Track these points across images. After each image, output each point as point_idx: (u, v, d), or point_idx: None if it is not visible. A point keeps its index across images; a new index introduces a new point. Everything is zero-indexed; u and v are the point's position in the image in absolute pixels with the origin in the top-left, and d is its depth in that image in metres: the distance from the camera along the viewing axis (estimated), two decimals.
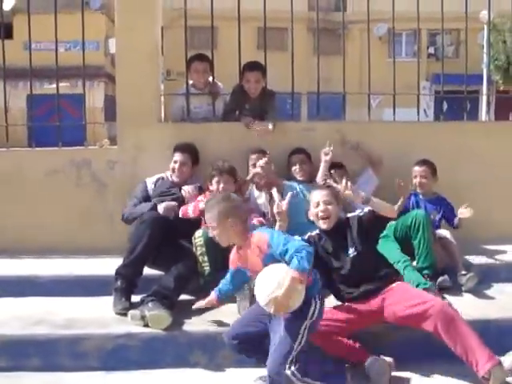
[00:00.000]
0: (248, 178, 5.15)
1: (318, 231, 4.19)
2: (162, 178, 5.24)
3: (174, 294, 4.31)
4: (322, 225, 4.12)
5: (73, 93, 13.33)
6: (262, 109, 5.74)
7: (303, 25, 25.72)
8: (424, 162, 5.36)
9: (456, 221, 5.14)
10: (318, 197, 4.15)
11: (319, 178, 5.13)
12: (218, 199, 3.81)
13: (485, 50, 23.00)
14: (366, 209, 4.08)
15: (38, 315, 4.32)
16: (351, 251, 4.03)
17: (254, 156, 5.33)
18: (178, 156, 5.19)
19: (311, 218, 4.22)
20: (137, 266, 4.44)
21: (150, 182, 5.20)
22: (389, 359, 3.85)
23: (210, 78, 5.97)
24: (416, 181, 5.34)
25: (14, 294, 4.69)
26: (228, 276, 4.03)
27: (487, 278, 4.94)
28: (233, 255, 3.89)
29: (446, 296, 4.51)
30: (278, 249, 3.44)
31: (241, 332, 3.70)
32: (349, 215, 4.21)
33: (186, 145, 5.30)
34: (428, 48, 31.26)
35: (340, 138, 5.56)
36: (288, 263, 3.37)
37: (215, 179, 4.83)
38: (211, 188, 4.86)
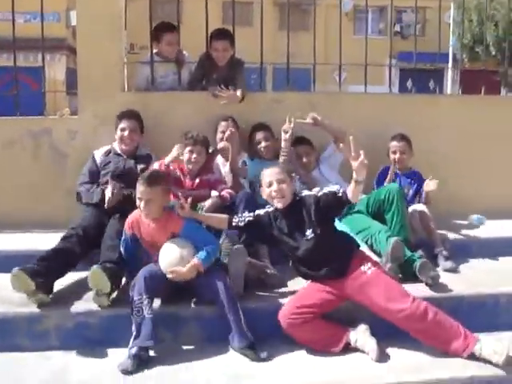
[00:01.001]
0: (218, 147, 5.03)
1: (273, 208, 4.06)
2: (109, 151, 4.97)
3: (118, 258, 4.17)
4: (277, 203, 3.97)
5: (32, 66, 12.92)
6: (229, 78, 5.52)
7: None
8: (402, 137, 5.28)
9: (423, 195, 5.08)
10: (270, 176, 4.00)
11: (281, 158, 4.93)
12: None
13: (451, 28, 23.22)
14: (327, 189, 3.93)
15: None
16: (308, 233, 3.88)
17: (223, 123, 5.17)
18: (125, 123, 4.95)
19: (264, 197, 4.08)
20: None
21: (99, 156, 4.94)
22: (363, 325, 3.81)
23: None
24: (395, 156, 5.27)
25: None
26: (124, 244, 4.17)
27: (459, 253, 4.87)
28: (137, 222, 4.09)
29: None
30: (190, 237, 3.96)
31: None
32: (304, 193, 4.06)
33: (132, 112, 5.06)
34: (394, 25, 31.22)
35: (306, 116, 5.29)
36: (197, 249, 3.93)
37: (188, 148, 4.65)
38: (182, 158, 4.67)
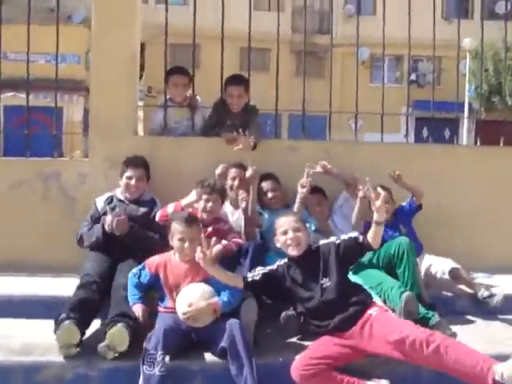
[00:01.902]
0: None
1: (286, 260, 3.98)
2: (112, 198, 4.84)
3: (130, 310, 3.96)
4: (292, 251, 3.92)
5: (51, 106, 12.92)
6: (244, 125, 5.42)
7: (286, 46, 25.74)
8: (383, 188, 5.08)
9: (411, 202, 5.11)
10: (285, 224, 3.96)
11: (295, 207, 4.82)
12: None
13: (467, 77, 23.24)
14: (346, 236, 3.92)
15: None
16: (324, 281, 3.81)
17: (233, 170, 5.05)
18: (132, 171, 4.81)
19: (278, 245, 4.01)
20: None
21: (101, 202, 4.82)
22: (384, 381, 3.65)
23: (190, 92, 5.70)
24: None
25: None
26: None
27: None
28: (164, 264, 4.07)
29: None
30: (219, 283, 3.91)
31: None
32: (321, 242, 4.01)
33: (139, 158, 4.95)
34: (410, 75, 31.37)
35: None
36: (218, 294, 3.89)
37: (204, 197, 4.53)
38: (196, 206, 4.56)
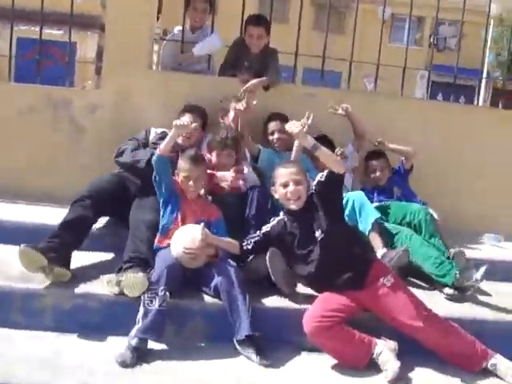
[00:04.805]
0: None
1: (281, 215, 3.84)
2: (166, 134, 4.47)
3: (148, 254, 3.84)
4: (292, 205, 3.74)
5: (65, 40, 12.69)
6: (262, 67, 5.24)
7: None
8: (380, 154, 5.10)
9: (401, 165, 5.11)
10: (285, 176, 3.75)
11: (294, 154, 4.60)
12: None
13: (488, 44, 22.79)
14: (313, 183, 3.76)
15: None
16: (318, 234, 3.64)
17: (234, 104, 4.82)
18: (188, 117, 4.57)
19: (276, 196, 3.84)
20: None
21: (154, 132, 4.65)
22: (393, 343, 3.56)
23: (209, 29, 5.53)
24: (376, 175, 5.12)
25: None
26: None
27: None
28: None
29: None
30: (218, 230, 3.92)
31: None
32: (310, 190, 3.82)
33: (198, 107, 4.77)
34: (430, 37, 30.86)
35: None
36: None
37: (215, 152, 4.42)
38: (207, 157, 4.42)
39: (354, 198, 4.40)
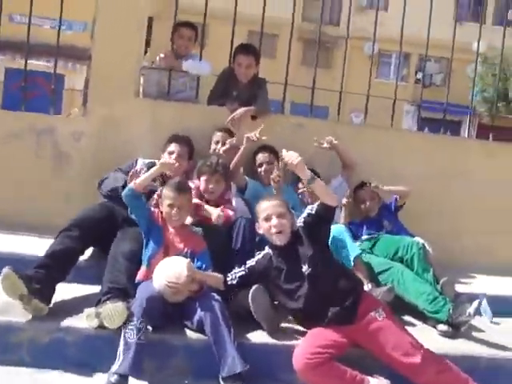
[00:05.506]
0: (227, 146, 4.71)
1: (267, 250, 3.73)
2: (154, 164, 4.43)
3: (127, 284, 3.71)
4: (276, 241, 3.64)
5: (51, 71, 12.73)
6: (250, 97, 5.20)
7: (294, 34, 25.59)
8: (365, 184, 5.02)
9: (394, 202, 5.06)
10: (268, 209, 3.67)
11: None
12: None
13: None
14: (302, 217, 3.69)
15: None
16: (305, 268, 3.54)
17: (219, 133, 4.86)
18: (175, 147, 4.54)
19: (260, 231, 3.75)
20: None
21: (142, 162, 4.54)
22: (386, 381, 3.44)
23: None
24: (366, 205, 5.04)
25: None
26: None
27: None
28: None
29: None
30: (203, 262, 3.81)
31: None
32: (298, 224, 3.73)
33: (184, 137, 4.70)
34: (416, 73, 31.25)
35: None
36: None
37: (204, 177, 4.32)
38: (195, 183, 4.35)
39: (334, 233, 4.20)
